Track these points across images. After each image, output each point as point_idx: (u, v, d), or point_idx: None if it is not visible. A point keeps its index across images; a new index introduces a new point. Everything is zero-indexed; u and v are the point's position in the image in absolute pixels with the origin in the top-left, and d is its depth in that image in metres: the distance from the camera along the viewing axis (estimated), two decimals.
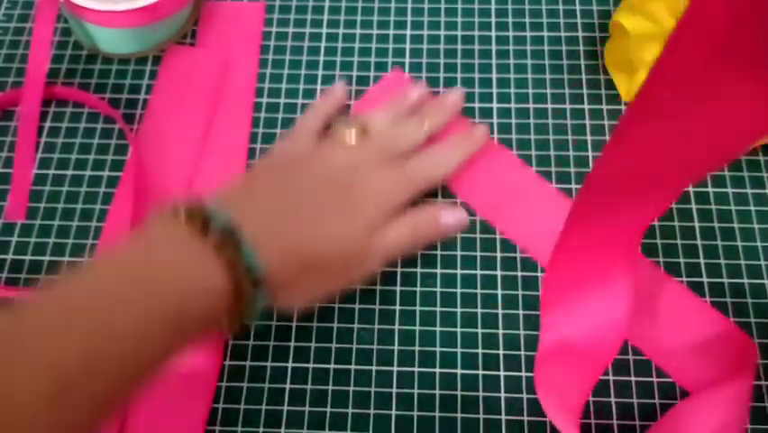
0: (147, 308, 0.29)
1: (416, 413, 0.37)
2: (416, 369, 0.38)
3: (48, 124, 0.46)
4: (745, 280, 0.40)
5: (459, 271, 0.41)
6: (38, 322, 0.27)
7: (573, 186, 0.43)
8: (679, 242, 0.41)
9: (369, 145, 0.40)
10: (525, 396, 0.37)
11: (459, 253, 0.41)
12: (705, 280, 0.40)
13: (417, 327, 0.39)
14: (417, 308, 0.40)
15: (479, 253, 0.41)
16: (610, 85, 0.46)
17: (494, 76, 0.47)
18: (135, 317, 0.29)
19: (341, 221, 0.37)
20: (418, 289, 0.40)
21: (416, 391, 0.38)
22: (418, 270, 0.41)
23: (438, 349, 0.39)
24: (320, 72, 0.47)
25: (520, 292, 0.40)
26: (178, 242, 0.32)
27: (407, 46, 0.48)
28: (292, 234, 0.35)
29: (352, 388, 0.38)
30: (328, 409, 0.37)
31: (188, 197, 0.34)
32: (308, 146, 0.41)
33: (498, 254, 0.41)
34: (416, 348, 0.39)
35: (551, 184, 0.43)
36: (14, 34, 0.50)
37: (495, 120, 0.45)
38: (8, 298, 0.40)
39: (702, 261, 0.40)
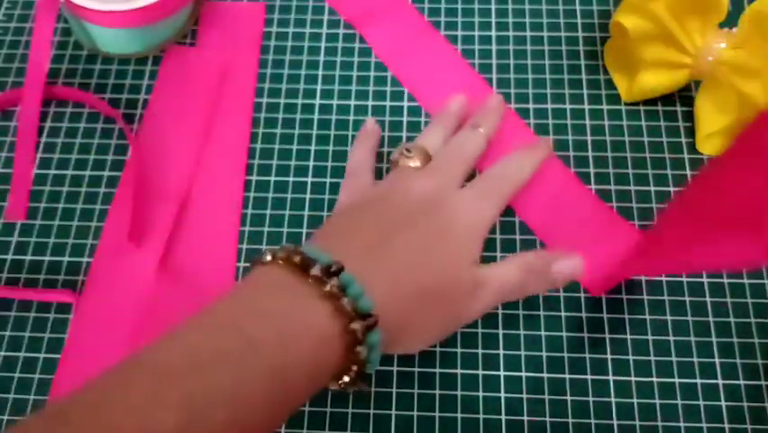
0: (246, 364, 0.26)
1: (415, 413, 0.37)
2: (416, 369, 0.38)
3: (48, 124, 0.46)
4: (746, 281, 0.40)
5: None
6: (126, 394, 0.25)
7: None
8: None
9: (437, 166, 0.38)
10: (524, 396, 0.37)
11: None
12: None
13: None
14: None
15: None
16: (610, 85, 0.46)
17: (494, 76, 0.47)
18: (234, 376, 0.26)
19: (440, 248, 0.34)
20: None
21: (415, 391, 0.38)
22: None
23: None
24: (320, 72, 0.47)
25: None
26: (276, 289, 0.29)
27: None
28: (398, 267, 0.33)
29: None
30: (328, 409, 0.37)
31: (285, 245, 0.32)
32: (373, 182, 0.40)
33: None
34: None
35: (611, 208, 0.42)
36: (14, 34, 0.50)
37: None
38: (8, 298, 0.40)
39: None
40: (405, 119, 0.45)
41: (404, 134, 0.45)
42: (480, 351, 0.39)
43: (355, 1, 0.49)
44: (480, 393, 0.38)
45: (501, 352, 0.38)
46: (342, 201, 0.40)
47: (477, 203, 0.37)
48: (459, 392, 0.38)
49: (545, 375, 0.38)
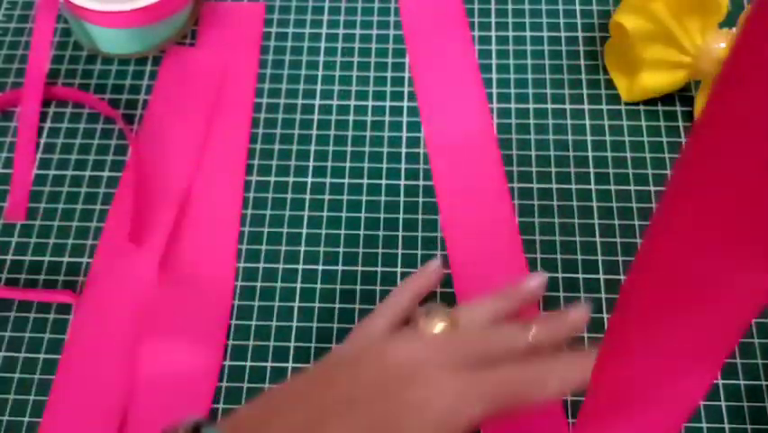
0: None
1: None
2: None
3: (48, 124, 0.46)
4: None
5: None
6: None
7: (573, 186, 0.43)
8: None
9: (448, 341, 0.32)
10: None
11: None
12: None
13: None
14: None
15: None
16: (610, 85, 0.46)
17: (494, 76, 0.47)
18: None
19: None
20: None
21: None
22: None
23: None
24: (320, 72, 0.47)
25: None
26: None
27: (407, 46, 0.48)
28: None
29: None
30: None
31: (200, 416, 0.29)
32: (371, 339, 0.33)
33: None
34: None
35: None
36: (14, 35, 0.50)
37: (495, 120, 0.45)
38: (8, 298, 0.40)
39: None
40: (404, 119, 0.45)
41: (403, 135, 0.45)
42: None
43: (420, 9, 0.49)
44: None
45: None
46: (333, 350, 0.34)
47: (456, 396, 0.30)
48: None
49: None
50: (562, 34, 0.48)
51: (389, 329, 0.33)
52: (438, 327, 0.32)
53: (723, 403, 0.37)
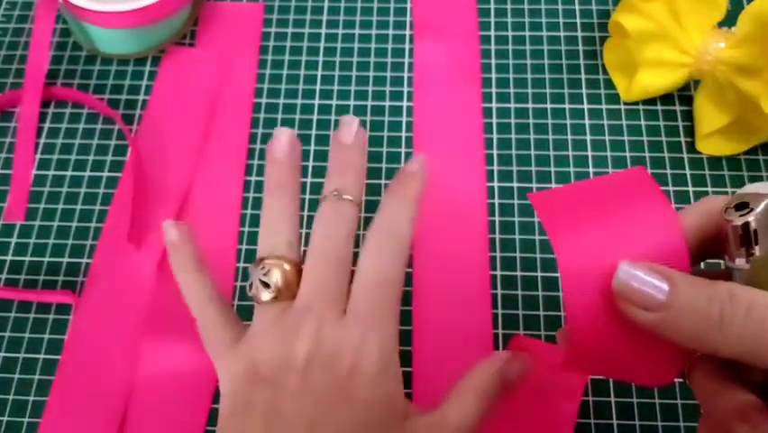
0: None
1: None
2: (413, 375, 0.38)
3: (47, 124, 0.46)
4: None
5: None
6: None
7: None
8: None
9: (305, 303, 0.29)
10: None
11: None
12: None
13: None
14: None
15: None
16: (610, 85, 0.46)
17: (493, 76, 0.47)
18: None
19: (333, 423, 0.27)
20: None
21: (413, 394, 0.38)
22: None
23: None
24: (319, 72, 0.47)
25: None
26: None
27: (407, 46, 0.48)
28: None
29: None
30: None
31: None
32: (232, 345, 0.30)
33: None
34: None
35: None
36: (14, 35, 0.50)
37: (494, 120, 0.45)
38: (8, 299, 0.40)
39: None
40: (404, 119, 0.45)
41: (403, 135, 0.45)
42: None
43: (432, 9, 0.49)
44: None
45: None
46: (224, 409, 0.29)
47: (369, 333, 0.28)
48: None
49: None
50: (562, 34, 0.48)
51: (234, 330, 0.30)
52: (271, 293, 0.29)
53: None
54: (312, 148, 0.45)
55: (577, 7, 0.49)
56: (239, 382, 0.28)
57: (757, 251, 0.22)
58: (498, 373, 0.30)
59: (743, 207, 0.22)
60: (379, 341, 0.28)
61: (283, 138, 0.31)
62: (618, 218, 0.24)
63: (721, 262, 0.24)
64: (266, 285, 0.29)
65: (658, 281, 0.23)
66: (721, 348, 0.22)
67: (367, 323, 0.28)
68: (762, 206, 0.22)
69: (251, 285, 0.30)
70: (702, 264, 0.29)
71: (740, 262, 0.22)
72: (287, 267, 0.29)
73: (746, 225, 0.22)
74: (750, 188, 0.23)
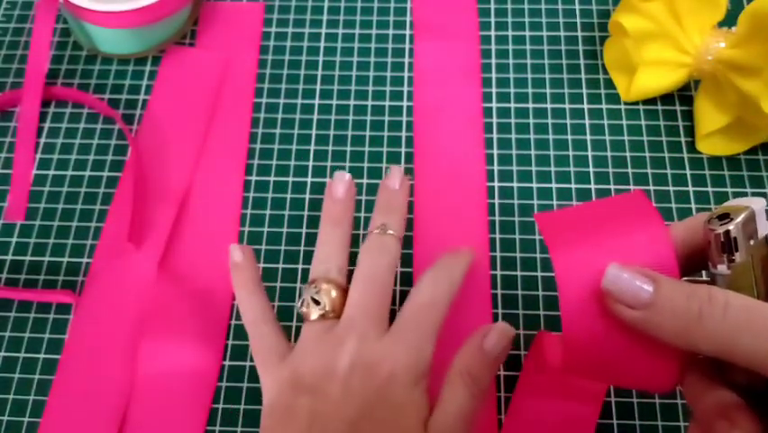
0: None
1: None
2: None
3: (47, 124, 0.46)
4: None
5: None
6: None
7: (573, 186, 0.43)
8: None
9: (350, 317, 0.33)
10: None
11: None
12: None
13: None
14: None
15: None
16: (610, 84, 0.46)
17: (493, 76, 0.47)
18: None
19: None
20: None
21: None
22: None
23: None
24: (319, 72, 0.47)
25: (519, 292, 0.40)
26: None
27: (406, 46, 0.48)
28: None
29: None
30: None
31: None
32: (286, 359, 0.33)
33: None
34: None
35: None
36: (14, 35, 0.50)
37: (494, 120, 0.45)
38: (8, 298, 0.40)
39: None
40: (404, 119, 0.45)
41: (403, 134, 0.45)
42: None
43: (433, 9, 0.49)
44: None
45: None
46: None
47: (409, 347, 0.32)
48: None
49: None
50: (562, 34, 0.48)
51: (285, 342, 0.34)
52: (320, 311, 0.33)
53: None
54: (312, 148, 0.45)
55: (577, 7, 0.49)
56: (283, 389, 0.31)
57: (738, 257, 0.24)
58: (480, 351, 0.32)
59: (725, 217, 0.24)
60: (416, 355, 0.32)
61: (343, 181, 0.36)
62: (614, 235, 0.27)
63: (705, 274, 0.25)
64: (316, 303, 0.33)
65: (643, 282, 0.24)
66: (701, 345, 0.24)
67: (408, 338, 0.32)
68: (741, 216, 0.24)
69: (302, 303, 0.33)
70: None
71: (721, 268, 0.24)
72: (335, 290, 0.33)
73: (727, 233, 0.24)
74: (733, 201, 0.25)
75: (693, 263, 0.27)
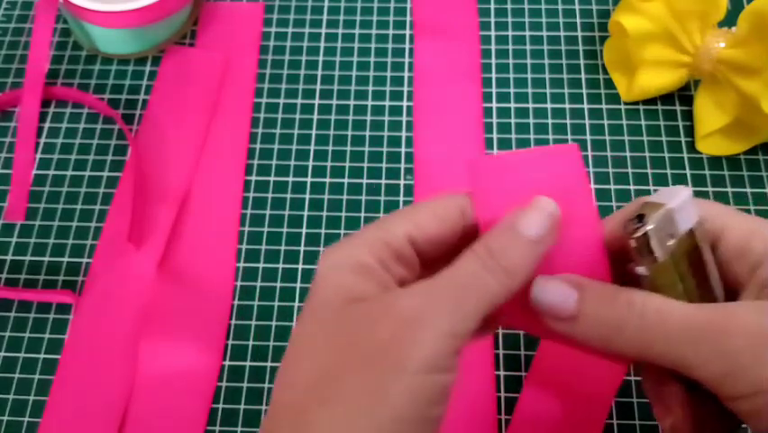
0: None
1: None
2: None
3: (47, 124, 0.46)
4: None
5: None
6: None
7: None
8: None
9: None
10: None
11: None
12: None
13: None
14: None
15: None
16: (610, 84, 0.46)
17: (493, 76, 0.47)
18: None
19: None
20: None
21: None
22: None
23: None
24: (319, 72, 0.47)
25: None
26: None
27: (407, 46, 0.48)
28: None
29: None
30: None
31: None
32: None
33: None
34: None
35: None
36: (14, 35, 0.50)
37: (494, 120, 0.45)
38: (8, 298, 0.40)
39: None
40: (404, 119, 0.45)
41: (403, 134, 0.45)
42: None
43: (433, 9, 0.49)
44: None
45: (501, 352, 0.38)
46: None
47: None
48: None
49: None
50: (562, 34, 0.48)
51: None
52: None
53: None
54: (312, 148, 0.45)
55: (577, 7, 0.49)
56: None
57: (658, 256, 0.24)
58: (511, 230, 0.25)
59: (641, 218, 0.24)
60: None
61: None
62: None
63: None
64: None
65: (566, 293, 0.24)
66: (625, 351, 0.24)
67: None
68: (656, 217, 0.24)
69: None
70: None
71: (641, 269, 0.24)
72: None
73: (644, 236, 0.24)
74: (652, 197, 0.25)
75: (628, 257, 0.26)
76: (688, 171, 0.43)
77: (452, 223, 0.26)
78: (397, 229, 0.25)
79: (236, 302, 0.40)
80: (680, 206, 0.24)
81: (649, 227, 0.23)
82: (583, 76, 0.47)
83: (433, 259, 0.26)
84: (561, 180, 0.26)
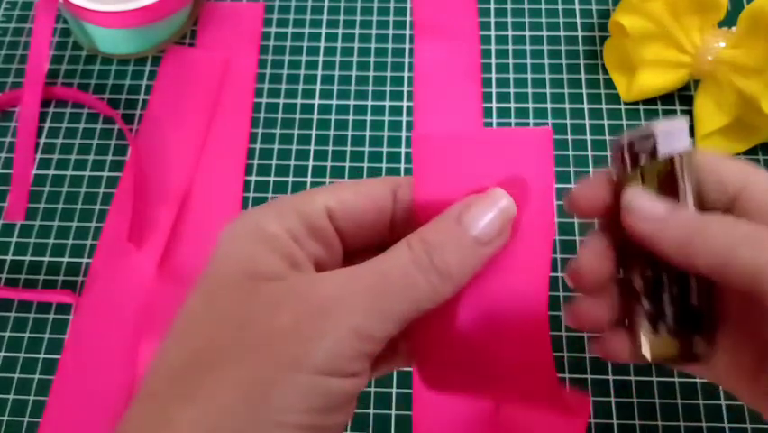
0: None
1: (413, 412, 0.37)
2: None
3: (47, 124, 0.46)
4: None
5: None
6: None
7: (573, 186, 0.43)
8: None
9: None
10: None
11: None
12: None
13: None
14: None
15: None
16: (610, 84, 0.46)
17: (493, 75, 0.47)
18: None
19: None
20: None
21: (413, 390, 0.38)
22: None
23: None
24: (319, 72, 0.47)
25: None
26: None
27: (407, 46, 0.48)
28: None
29: None
30: None
31: None
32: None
33: None
34: None
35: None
36: (14, 35, 0.50)
37: (494, 120, 0.45)
38: (8, 298, 0.40)
39: None
40: (404, 119, 0.45)
41: (403, 134, 0.45)
42: None
43: (433, 9, 0.49)
44: None
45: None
46: None
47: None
48: None
49: None
50: (562, 34, 0.48)
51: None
52: None
53: (723, 403, 0.37)
54: (312, 148, 0.45)
55: (577, 7, 0.49)
56: None
57: (627, 166, 0.26)
58: (455, 223, 0.22)
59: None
60: None
61: None
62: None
63: None
64: None
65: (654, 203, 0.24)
66: (702, 254, 0.22)
67: None
68: (632, 133, 0.26)
69: None
70: None
71: (611, 173, 0.26)
72: None
73: (618, 144, 0.26)
74: (655, 122, 0.26)
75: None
76: None
77: (377, 200, 0.23)
78: (314, 199, 0.22)
79: None
80: (663, 130, 0.25)
81: (624, 138, 0.26)
82: (583, 76, 0.47)
83: (360, 247, 0.23)
84: (523, 169, 0.22)
